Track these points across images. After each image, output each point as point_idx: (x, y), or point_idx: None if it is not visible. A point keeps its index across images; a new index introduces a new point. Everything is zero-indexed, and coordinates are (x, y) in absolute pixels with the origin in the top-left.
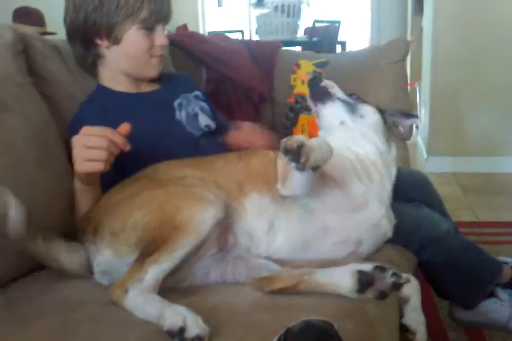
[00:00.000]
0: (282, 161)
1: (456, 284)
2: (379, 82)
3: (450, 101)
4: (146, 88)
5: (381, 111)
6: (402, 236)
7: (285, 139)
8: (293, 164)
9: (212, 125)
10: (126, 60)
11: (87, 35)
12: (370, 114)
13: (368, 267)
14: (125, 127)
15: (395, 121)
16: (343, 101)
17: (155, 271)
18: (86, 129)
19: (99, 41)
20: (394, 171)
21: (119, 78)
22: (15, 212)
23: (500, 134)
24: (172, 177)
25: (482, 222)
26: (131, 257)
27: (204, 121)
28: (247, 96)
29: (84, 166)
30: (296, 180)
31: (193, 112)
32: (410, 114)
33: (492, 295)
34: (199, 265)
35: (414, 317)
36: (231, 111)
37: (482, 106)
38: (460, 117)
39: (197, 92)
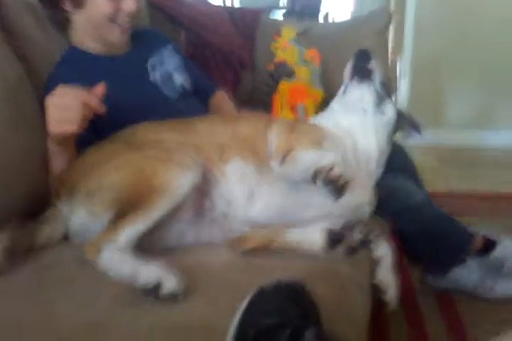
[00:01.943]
0: (281, 141)
1: (428, 252)
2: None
3: (431, 73)
4: (118, 50)
5: (398, 113)
6: (376, 205)
7: (327, 168)
8: (329, 194)
9: (187, 84)
10: (90, 25)
11: None
12: (390, 113)
13: (337, 224)
14: (99, 88)
15: (404, 127)
16: (376, 90)
17: (129, 231)
18: (59, 90)
19: (62, 4)
20: (381, 169)
21: (88, 41)
22: None
23: (481, 108)
24: (150, 140)
25: (456, 193)
26: (105, 218)
27: (179, 79)
28: (227, 61)
29: (57, 127)
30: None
31: (167, 71)
32: (416, 126)
33: (462, 262)
34: (175, 227)
35: (386, 277)
36: (210, 76)
37: (464, 79)
38: (440, 90)
39: (169, 46)
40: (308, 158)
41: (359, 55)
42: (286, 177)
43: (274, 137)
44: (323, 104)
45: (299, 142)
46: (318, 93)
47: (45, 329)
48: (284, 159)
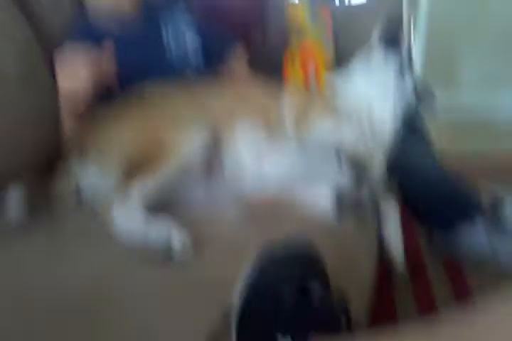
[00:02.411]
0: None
1: (436, 212)
2: (373, 7)
3: (447, 32)
4: (129, 6)
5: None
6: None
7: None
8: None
9: (199, 47)
10: None
11: None
12: (410, 84)
13: (345, 183)
14: (109, 49)
15: (421, 99)
16: (401, 60)
17: (140, 188)
18: (71, 47)
19: None
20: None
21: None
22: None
23: (496, 69)
24: (161, 102)
25: (466, 151)
26: (116, 176)
27: (191, 42)
28: (238, 18)
29: (67, 83)
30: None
31: (178, 29)
32: (433, 98)
33: (470, 221)
34: (184, 187)
35: (392, 232)
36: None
37: (480, 39)
38: (455, 50)
39: (181, 4)
40: (326, 126)
41: (389, 22)
42: (300, 143)
43: (288, 103)
44: (334, 66)
45: (314, 108)
46: (329, 53)
47: (57, 283)
48: (299, 125)
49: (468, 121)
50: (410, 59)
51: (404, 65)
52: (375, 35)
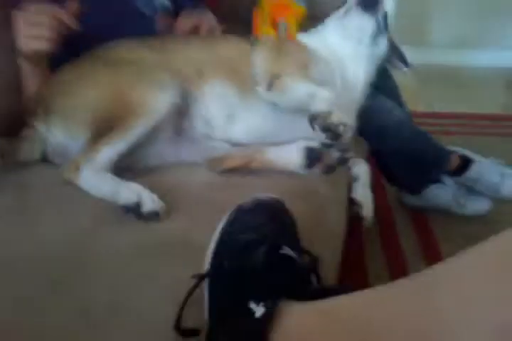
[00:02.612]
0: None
1: (405, 170)
2: None
3: None
4: None
5: (391, 46)
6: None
7: (324, 115)
8: (326, 138)
9: (168, 3)
10: None
11: None
12: (383, 46)
13: (315, 143)
14: (73, 5)
15: (393, 60)
16: (377, 22)
17: (108, 150)
18: (30, 6)
19: None
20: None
21: None
22: None
23: (469, 27)
24: (126, 59)
25: (436, 112)
26: (82, 137)
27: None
28: None
29: (27, 44)
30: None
31: None
32: (404, 59)
33: (438, 181)
34: (154, 146)
35: (362, 192)
36: None
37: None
38: (427, 7)
39: None
40: (300, 89)
41: None
42: (273, 104)
43: (259, 58)
44: (305, 22)
45: (286, 66)
46: (301, 9)
47: (26, 249)
48: (271, 84)
49: (438, 79)
50: (386, 23)
51: (381, 29)
52: None
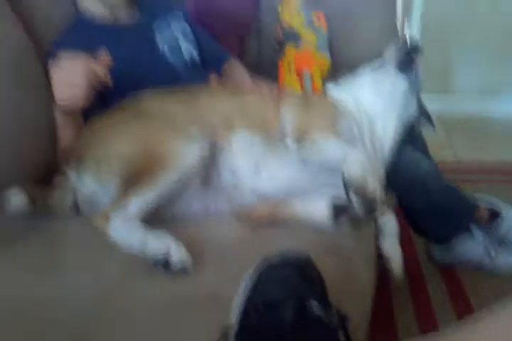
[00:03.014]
0: (296, 118)
1: (432, 222)
2: (367, 12)
3: (441, 36)
4: (123, 15)
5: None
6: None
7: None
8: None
9: (195, 54)
10: None
11: None
12: (414, 105)
13: (341, 195)
14: (105, 58)
15: (420, 120)
16: (411, 83)
17: (138, 200)
18: (65, 56)
19: None
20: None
21: (91, 3)
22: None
23: (491, 75)
24: (156, 110)
25: (462, 161)
26: (112, 186)
27: (187, 49)
28: (232, 26)
29: (63, 92)
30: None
31: (173, 36)
32: (430, 118)
33: (466, 232)
34: (182, 196)
35: (391, 246)
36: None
37: (475, 43)
38: (450, 54)
39: (176, 12)
40: (329, 146)
41: (411, 47)
42: (301, 159)
43: (288, 112)
44: (330, 72)
45: (315, 121)
46: (325, 60)
47: (57, 294)
48: (301, 140)
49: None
50: (418, 83)
51: (413, 89)
52: (392, 52)
